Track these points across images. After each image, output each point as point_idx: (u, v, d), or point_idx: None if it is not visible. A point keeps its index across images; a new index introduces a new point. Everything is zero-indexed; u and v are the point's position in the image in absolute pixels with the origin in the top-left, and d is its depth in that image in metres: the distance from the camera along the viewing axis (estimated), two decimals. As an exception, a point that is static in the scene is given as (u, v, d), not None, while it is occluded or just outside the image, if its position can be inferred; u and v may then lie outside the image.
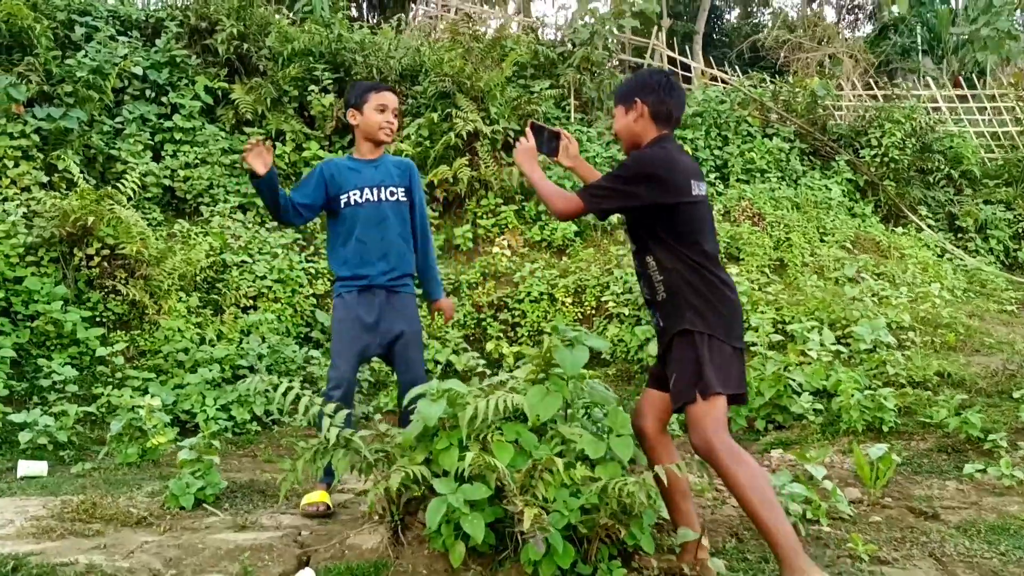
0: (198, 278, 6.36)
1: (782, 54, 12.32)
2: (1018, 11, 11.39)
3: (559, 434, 2.77)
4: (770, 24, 18.75)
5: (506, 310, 7.05)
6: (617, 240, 7.77)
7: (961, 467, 3.56)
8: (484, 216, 7.97)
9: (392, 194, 3.64)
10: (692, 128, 9.02)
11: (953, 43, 17.30)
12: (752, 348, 5.20)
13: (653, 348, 5.94)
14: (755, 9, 27.03)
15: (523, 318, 6.96)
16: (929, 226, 8.91)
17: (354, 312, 3.54)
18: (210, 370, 5.50)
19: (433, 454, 2.74)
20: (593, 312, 6.86)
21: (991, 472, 3.41)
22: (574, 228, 7.75)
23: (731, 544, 2.99)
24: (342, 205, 3.59)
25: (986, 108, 10.99)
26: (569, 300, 6.93)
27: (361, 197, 3.60)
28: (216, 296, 6.33)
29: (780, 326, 5.57)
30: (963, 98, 11.11)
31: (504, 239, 7.59)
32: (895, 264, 7.40)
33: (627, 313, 6.45)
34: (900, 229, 8.65)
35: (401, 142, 7.91)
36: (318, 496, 3.36)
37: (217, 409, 5.30)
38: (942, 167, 9.61)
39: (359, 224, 3.58)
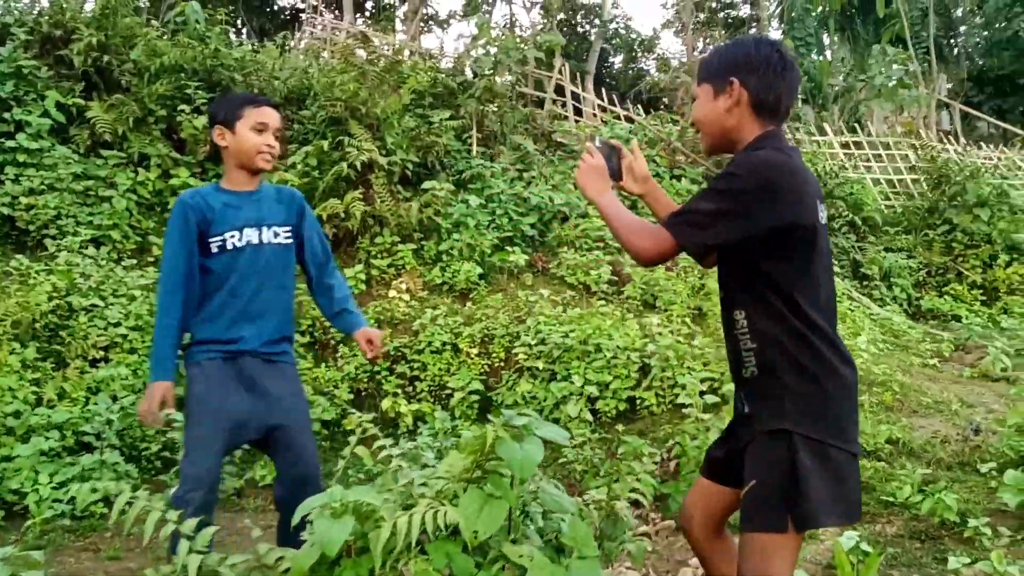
0: (37, 325, 5.42)
1: (679, 96, 12.27)
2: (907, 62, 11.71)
3: (502, 556, 2.15)
4: (653, 69, 19.01)
5: (404, 362, 6.39)
6: (525, 284, 7.26)
7: (943, 559, 3.15)
8: (379, 256, 7.30)
9: (276, 235, 2.92)
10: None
11: (833, 93, 18.06)
12: (685, 409, 4.75)
13: (572, 409, 5.44)
14: (639, 54, 27.69)
15: (423, 371, 6.31)
16: (836, 273, 8.84)
17: (219, 387, 2.76)
18: (47, 438, 4.62)
19: (334, 581, 2.09)
20: (502, 365, 6.27)
21: (980, 567, 3.01)
22: (478, 271, 7.19)
23: None
24: (213, 250, 2.82)
25: (881, 155, 11.21)
26: (475, 351, 6.33)
27: (241, 240, 2.84)
28: (59, 347, 5.40)
29: (711, 384, 5.17)
30: (858, 144, 11.30)
31: (401, 282, 6.94)
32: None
33: (540, 367, 5.90)
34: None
35: (285, 171, 7.19)
36: None
37: (53, 488, 4.40)
38: (844, 214, 9.62)
39: (234, 274, 2.83)
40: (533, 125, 9.14)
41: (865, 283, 9.01)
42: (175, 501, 2.55)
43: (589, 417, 5.43)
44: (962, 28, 22.82)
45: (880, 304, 8.69)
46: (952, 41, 21.92)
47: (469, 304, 6.88)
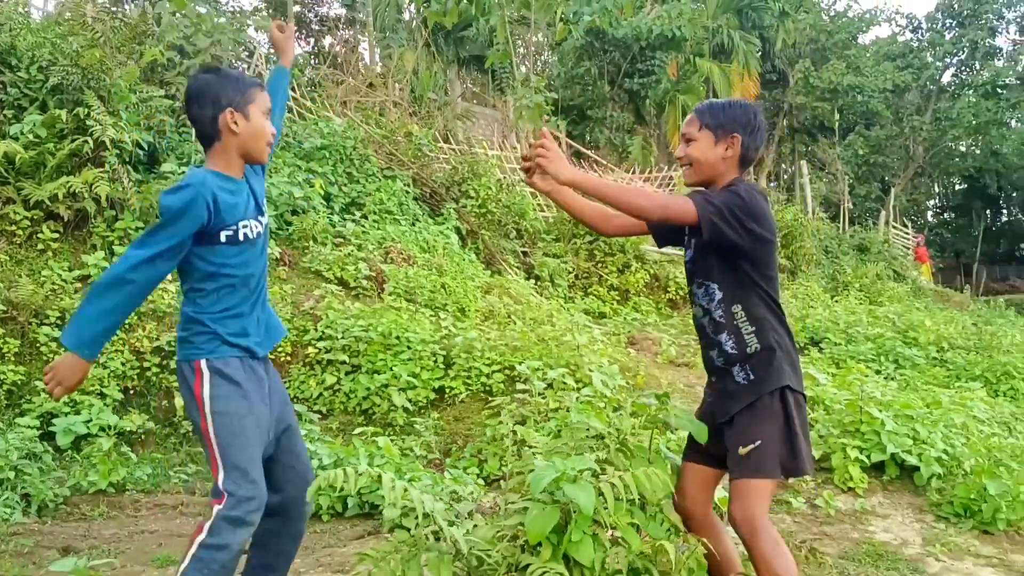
0: None
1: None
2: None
3: (660, 511, 2.77)
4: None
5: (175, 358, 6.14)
6: (280, 277, 7.34)
7: (786, 501, 4.47)
8: (120, 242, 6.80)
9: (264, 224, 2.82)
10: (319, 162, 8.95)
11: (436, 104, 19.96)
12: (521, 394, 5.57)
13: (398, 399, 5.90)
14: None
15: (202, 366, 6.15)
16: (518, 273, 10.27)
17: (252, 397, 2.67)
18: None
19: (566, 547, 2.52)
20: (288, 360, 6.40)
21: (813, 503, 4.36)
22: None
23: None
24: (222, 240, 2.63)
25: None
26: (256, 345, 6.35)
27: (252, 232, 2.71)
28: None
29: (508, 372, 6.04)
30: (508, 159, 13.00)
31: (166, 272, 6.59)
32: (536, 311, 8.42)
33: (345, 359, 6.20)
34: (509, 277, 9.82)
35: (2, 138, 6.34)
36: None
37: None
38: (515, 221, 11.12)
39: (248, 266, 2.70)
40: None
41: (539, 283, 10.56)
42: (232, 525, 2.54)
43: (408, 405, 5.94)
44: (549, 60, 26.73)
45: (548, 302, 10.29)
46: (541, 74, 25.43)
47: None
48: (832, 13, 32.80)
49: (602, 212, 3.02)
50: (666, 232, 2.94)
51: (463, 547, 2.50)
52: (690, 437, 2.82)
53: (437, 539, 2.61)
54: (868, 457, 4.87)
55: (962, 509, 4.53)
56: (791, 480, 4.52)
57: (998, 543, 4.34)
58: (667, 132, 24.25)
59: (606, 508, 2.50)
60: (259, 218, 2.76)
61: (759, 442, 2.57)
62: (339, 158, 9.07)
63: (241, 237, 2.66)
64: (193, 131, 3.04)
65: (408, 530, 4.07)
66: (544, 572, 2.44)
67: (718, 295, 2.69)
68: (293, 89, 10.43)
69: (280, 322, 3.00)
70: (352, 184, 9.08)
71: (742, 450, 2.58)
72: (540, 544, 2.51)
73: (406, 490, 2.49)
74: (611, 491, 2.52)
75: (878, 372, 8.44)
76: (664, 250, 12.63)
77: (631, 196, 2.63)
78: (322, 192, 8.54)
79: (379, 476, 2.52)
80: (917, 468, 4.81)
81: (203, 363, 2.59)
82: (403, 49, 19.32)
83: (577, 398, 5.12)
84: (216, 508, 2.55)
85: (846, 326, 10.13)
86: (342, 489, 2.84)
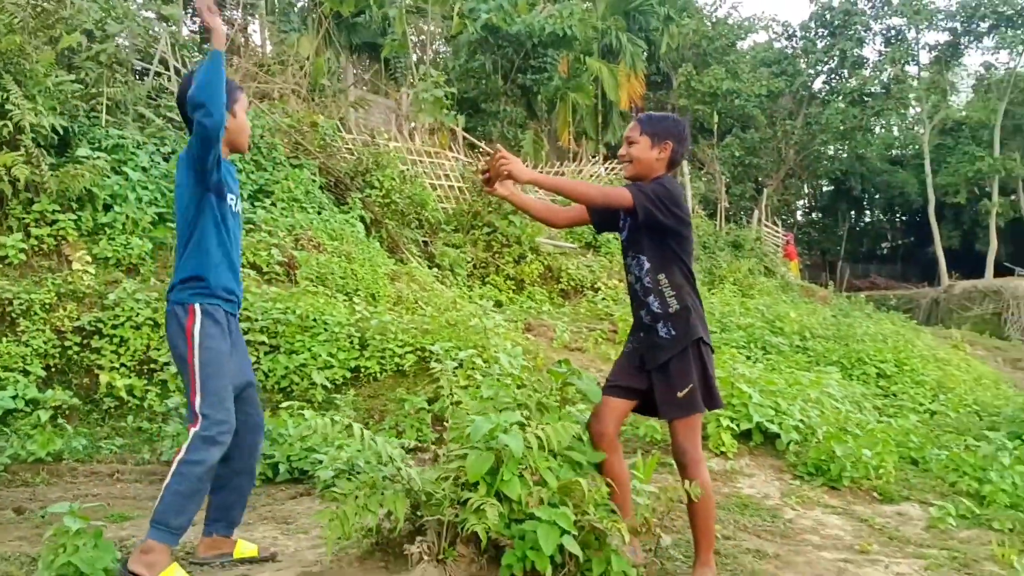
0: None
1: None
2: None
3: (567, 457, 3.38)
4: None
5: (99, 336, 6.41)
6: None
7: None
8: (36, 224, 6.95)
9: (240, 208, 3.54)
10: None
11: (331, 90, 20.12)
12: (433, 372, 6.11)
13: (318, 376, 6.36)
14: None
15: (122, 345, 6.43)
16: (420, 262, 10.76)
17: (226, 338, 3.28)
18: None
19: (499, 485, 3.10)
20: (207, 339, 6.72)
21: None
22: (149, 245, 7.35)
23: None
24: (227, 200, 3.30)
25: (425, 162, 13.52)
26: (176, 326, 6.66)
27: (236, 206, 3.43)
28: None
29: (421, 352, 6.57)
30: (408, 151, 13.44)
31: (84, 254, 6.80)
32: (441, 298, 8.95)
33: (264, 340, 6.59)
34: (413, 265, 10.30)
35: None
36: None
37: None
38: (416, 211, 11.61)
39: (234, 233, 3.35)
40: (154, 98, 9.18)
41: (440, 271, 11.09)
42: (206, 443, 3.10)
43: (327, 383, 6.39)
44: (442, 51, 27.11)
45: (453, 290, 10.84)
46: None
47: (164, 280, 7.07)
48: (714, 20, 34.49)
49: (550, 208, 3.80)
50: (604, 221, 3.62)
51: (416, 484, 3.05)
52: (612, 375, 3.49)
53: (392, 481, 3.14)
54: (737, 426, 5.66)
55: (814, 469, 5.37)
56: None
57: (842, 496, 5.19)
58: (557, 128, 25.12)
59: (531, 453, 3.10)
60: (239, 201, 3.43)
61: (691, 386, 3.27)
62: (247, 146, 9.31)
63: (235, 207, 3.36)
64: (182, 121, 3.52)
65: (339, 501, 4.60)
66: (480, 504, 3.01)
67: (647, 265, 3.37)
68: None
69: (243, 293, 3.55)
70: (260, 172, 9.36)
71: (680, 394, 3.26)
72: (478, 483, 3.08)
73: (373, 439, 3.00)
74: (535, 440, 3.13)
75: (748, 357, 9.37)
76: (558, 244, 13.41)
77: (581, 188, 3.39)
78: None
79: (350, 425, 3.01)
80: (778, 435, 5.63)
81: (197, 306, 3.19)
82: (299, 35, 19.37)
83: (487, 375, 5.70)
84: (193, 430, 3.13)
85: (721, 316, 11.09)
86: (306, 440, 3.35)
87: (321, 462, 4.88)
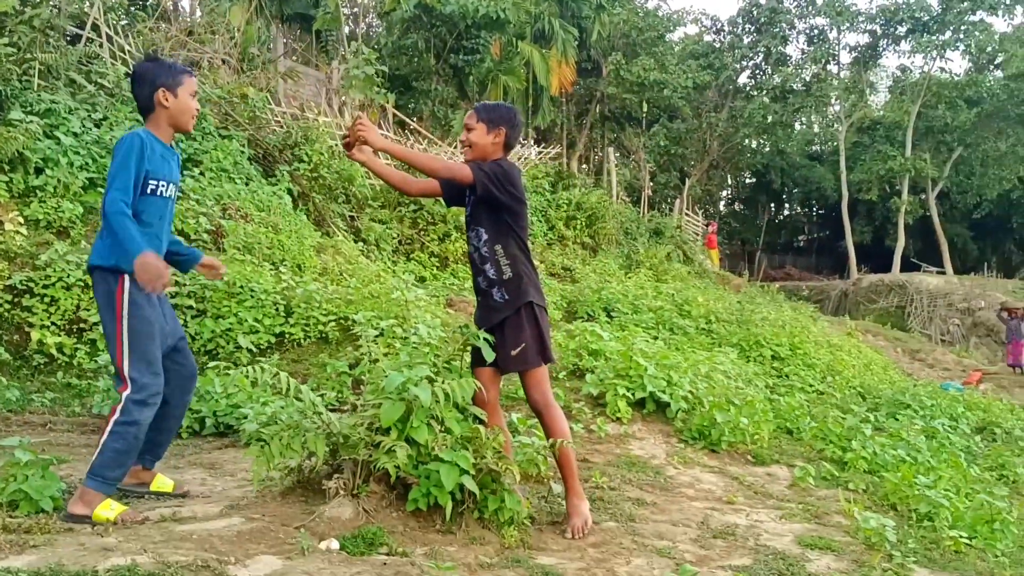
0: None
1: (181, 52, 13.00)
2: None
3: (468, 411, 3.88)
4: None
5: (30, 296, 6.64)
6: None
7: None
8: (-32, 184, 7.12)
9: (176, 191, 3.79)
10: (158, 117, 9.37)
11: (259, 61, 20.14)
12: (357, 340, 6.53)
13: (243, 340, 6.72)
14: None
15: (52, 305, 6.68)
16: (346, 237, 11.11)
17: (154, 308, 3.58)
18: None
19: (409, 431, 3.57)
20: (135, 302, 7.01)
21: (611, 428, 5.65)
22: (80, 209, 7.56)
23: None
24: (148, 191, 3.54)
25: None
26: (105, 288, 6.92)
27: (168, 190, 3.67)
28: None
29: (343, 321, 6.99)
30: (338, 126, 13.71)
31: (16, 215, 6.99)
32: (365, 271, 9.34)
33: (191, 304, 6.90)
34: (339, 239, 10.63)
35: None
36: (115, 510, 3.38)
37: None
38: (344, 186, 11.93)
39: (159, 217, 3.62)
40: (84, 63, 9.29)
41: (366, 246, 11.45)
42: (139, 405, 3.43)
43: (252, 347, 6.75)
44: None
45: (376, 263, 11.23)
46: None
47: (84, 243, 7.29)
48: (643, 11, 35.27)
49: (404, 177, 4.20)
50: (453, 195, 4.02)
51: (335, 428, 3.50)
52: (473, 351, 3.93)
53: (314, 425, 3.58)
54: (633, 395, 6.24)
55: (697, 434, 5.99)
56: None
57: (720, 458, 5.82)
58: (488, 109, 25.48)
59: (437, 404, 3.57)
60: (175, 183, 3.70)
61: (524, 344, 3.75)
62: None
63: (166, 192, 3.63)
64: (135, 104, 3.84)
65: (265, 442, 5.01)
66: (392, 447, 3.47)
67: (484, 237, 3.82)
68: (117, 34, 10.66)
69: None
70: (189, 141, 9.56)
71: (514, 352, 3.76)
72: (390, 429, 3.54)
73: (298, 387, 3.43)
74: (442, 393, 3.60)
75: (655, 337, 10.02)
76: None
77: (427, 160, 3.81)
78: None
79: (277, 373, 3.43)
80: (668, 404, 6.23)
81: (125, 277, 3.45)
82: (230, 4, 19.30)
83: (406, 343, 6.15)
84: (124, 394, 3.45)
85: (634, 299, 11.73)
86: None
87: (247, 417, 5.26)
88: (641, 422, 6.18)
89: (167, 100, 3.56)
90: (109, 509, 3.37)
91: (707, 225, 29.65)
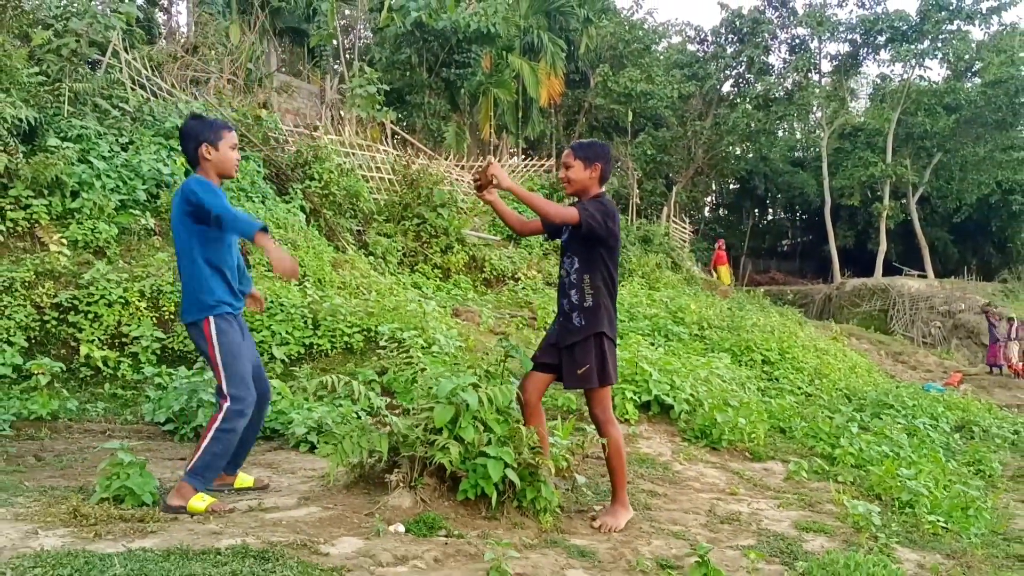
0: None
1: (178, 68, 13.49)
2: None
3: (508, 413, 4.42)
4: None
5: (75, 312, 7.13)
6: (153, 246, 8.34)
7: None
8: (11, 208, 7.59)
9: None
10: (179, 139, 9.87)
11: (257, 76, 20.63)
12: (381, 351, 7.08)
13: (278, 352, 7.24)
14: None
15: (96, 321, 7.17)
16: (356, 251, 11.63)
17: (241, 335, 4.22)
18: None
19: (458, 431, 4.11)
20: (172, 317, 7.52)
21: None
22: (115, 231, 8.06)
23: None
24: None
25: (356, 154, 14.33)
26: (144, 304, 7.43)
27: None
28: None
29: (367, 332, 7.52)
30: (341, 143, 14.23)
31: (62, 237, 7.49)
32: (379, 284, 9.86)
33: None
34: (352, 254, 11.15)
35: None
36: (206, 501, 3.92)
37: None
38: (352, 202, 12.46)
39: (232, 249, 4.28)
40: (107, 90, 9.78)
41: (373, 258, 11.97)
42: (236, 415, 4.04)
43: (284, 358, 7.26)
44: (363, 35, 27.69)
45: (385, 275, 11.74)
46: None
47: (132, 263, 7.80)
48: (630, 23, 35.98)
49: (521, 218, 4.68)
50: (555, 231, 4.53)
51: (397, 428, 4.04)
52: (535, 354, 4.45)
53: (377, 425, 4.12)
54: (639, 398, 6.81)
55: (699, 433, 6.56)
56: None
57: (721, 455, 6.39)
58: (479, 121, 26.10)
59: (482, 407, 4.12)
60: None
61: (587, 367, 4.27)
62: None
63: None
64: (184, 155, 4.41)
65: (312, 444, 5.55)
66: (445, 444, 4.01)
67: (576, 265, 4.29)
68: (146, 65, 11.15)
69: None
70: (209, 162, 10.06)
71: (579, 371, 4.27)
72: (442, 429, 4.08)
73: (367, 393, 3.97)
74: (486, 397, 4.15)
75: (652, 344, 10.59)
76: (482, 235, 14.42)
77: (543, 204, 4.20)
78: (183, 168, 9.52)
79: (349, 379, 3.97)
80: (672, 406, 6.80)
81: (210, 319, 4.09)
82: (229, 22, 19.79)
83: (427, 353, 6.69)
84: (226, 405, 3.99)
85: (629, 307, 12.30)
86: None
87: (292, 422, 5.78)
88: (647, 423, 6.75)
89: (210, 154, 4.17)
90: (201, 500, 3.91)
91: (717, 243, 29.94)
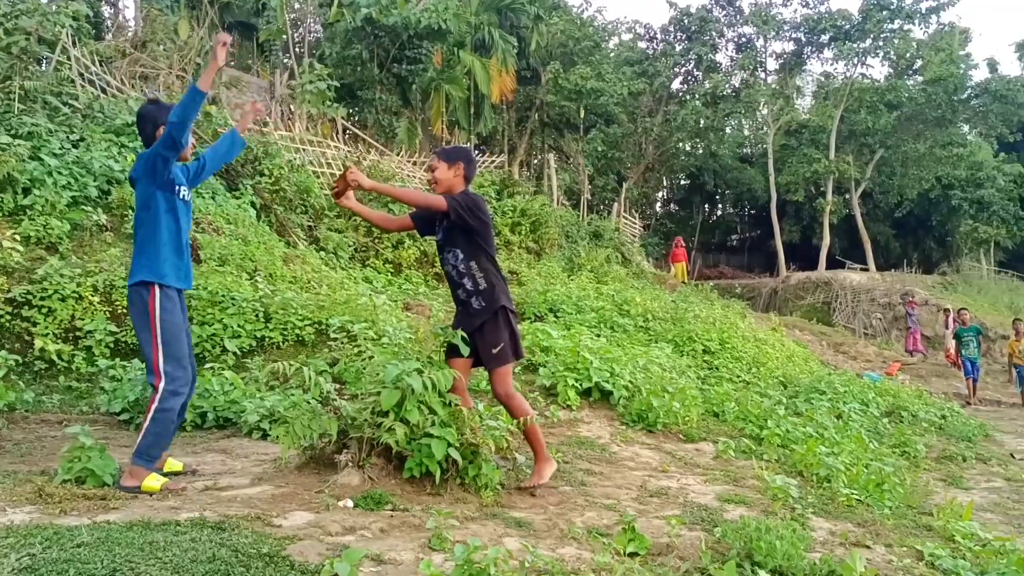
0: None
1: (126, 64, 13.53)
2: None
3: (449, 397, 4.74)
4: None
5: (29, 307, 7.27)
6: (105, 242, 8.48)
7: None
8: (-38, 203, 7.70)
9: (189, 193, 4.61)
10: (129, 136, 10.00)
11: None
12: (332, 342, 7.33)
13: (231, 344, 7.46)
14: None
15: (49, 316, 7.31)
16: (307, 246, 11.82)
17: (180, 315, 4.44)
18: None
19: (403, 414, 4.41)
20: (125, 311, 7.67)
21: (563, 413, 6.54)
22: (68, 227, 8.18)
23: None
24: (174, 192, 4.37)
25: (307, 150, 14.50)
26: (97, 299, 7.58)
27: (188, 196, 4.57)
28: None
29: (318, 325, 7.77)
30: (291, 139, 14.39)
31: (15, 233, 7.60)
32: (330, 278, 10.08)
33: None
34: (303, 249, 11.35)
35: None
36: (159, 481, 4.17)
37: None
38: (302, 198, 12.64)
39: (183, 220, 4.45)
40: (57, 87, 9.85)
41: (325, 253, 12.18)
42: (171, 395, 4.27)
43: (236, 351, 7.48)
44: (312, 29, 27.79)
45: (336, 270, 11.96)
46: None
47: (84, 258, 7.94)
48: (580, 21, 36.45)
49: (385, 216, 5.16)
50: (424, 227, 4.89)
51: (345, 411, 4.33)
52: (448, 345, 4.78)
53: (326, 409, 4.39)
54: (581, 385, 7.16)
55: (637, 417, 6.93)
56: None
57: (656, 437, 6.77)
58: (431, 117, 26.29)
59: (426, 391, 4.42)
60: (189, 191, 4.57)
61: (502, 344, 4.65)
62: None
63: (186, 197, 4.50)
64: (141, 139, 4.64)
65: (264, 431, 5.80)
66: (391, 426, 4.31)
67: (461, 256, 4.68)
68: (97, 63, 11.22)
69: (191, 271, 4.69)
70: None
71: (494, 350, 4.66)
72: (388, 412, 4.38)
73: (318, 380, 4.25)
74: (429, 382, 4.45)
75: (598, 335, 10.97)
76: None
77: (409, 194, 4.73)
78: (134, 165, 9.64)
79: (300, 366, 4.24)
80: (612, 392, 7.16)
81: (156, 288, 4.29)
82: (178, 18, 19.76)
83: (377, 344, 6.96)
84: (161, 386, 4.23)
85: (577, 300, 12.66)
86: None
87: (245, 410, 6.02)
88: (588, 408, 7.11)
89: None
90: (155, 480, 4.15)
91: (675, 240, 30.43)
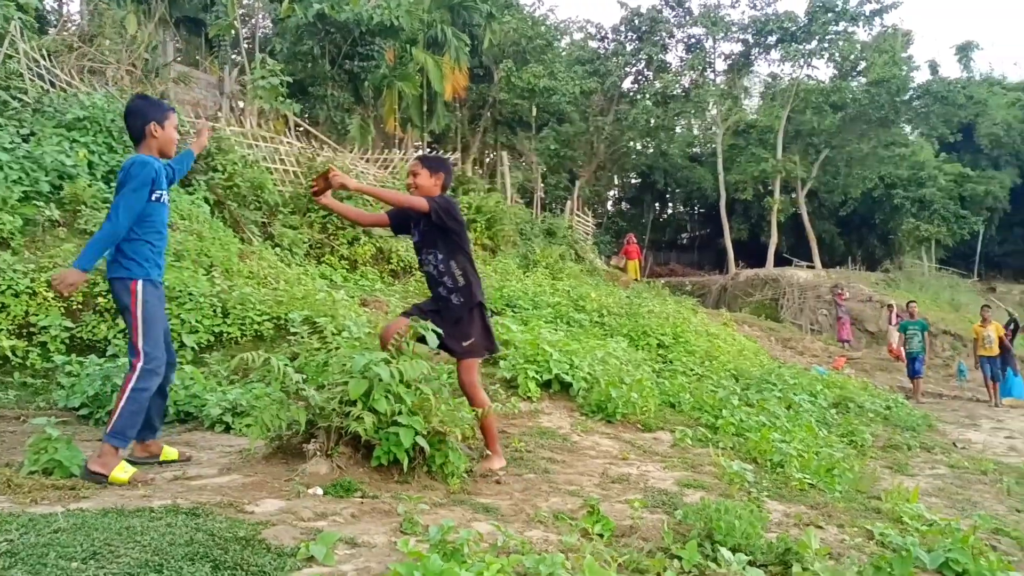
0: None
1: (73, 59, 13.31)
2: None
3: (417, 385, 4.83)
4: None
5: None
6: (59, 237, 8.37)
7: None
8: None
9: (168, 195, 4.69)
10: (80, 131, 9.88)
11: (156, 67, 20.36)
12: (292, 337, 7.35)
13: (189, 339, 7.44)
14: None
15: (2, 311, 7.21)
16: (262, 242, 11.77)
17: (160, 304, 4.53)
18: None
19: (371, 403, 4.49)
20: (80, 307, 7.61)
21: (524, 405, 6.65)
22: (19, 222, 8.07)
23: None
24: (153, 198, 4.40)
25: (260, 146, 14.41)
26: (51, 295, 7.48)
27: (165, 199, 4.62)
28: None
29: (278, 320, 7.78)
30: (243, 134, 14.28)
31: (-36, 228, 7.47)
32: (287, 274, 10.07)
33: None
34: (258, 245, 11.29)
35: None
36: (128, 471, 4.19)
37: None
38: (256, 194, 12.57)
39: (160, 218, 4.51)
40: (5, 81, 9.68)
41: (280, 250, 12.13)
42: (149, 374, 4.33)
43: (194, 346, 7.45)
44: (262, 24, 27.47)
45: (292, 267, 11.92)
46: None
47: (37, 253, 7.83)
48: (532, 20, 36.64)
49: (359, 212, 5.40)
50: (400, 226, 5.10)
51: (314, 401, 4.38)
52: (415, 306, 5.03)
53: (294, 399, 4.44)
54: (541, 377, 7.28)
55: (596, 407, 7.07)
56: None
57: (615, 427, 6.92)
58: (384, 114, 26.24)
59: (393, 380, 4.50)
60: (167, 193, 4.55)
61: (473, 339, 4.84)
62: (99, 129, 10.03)
63: (164, 200, 4.54)
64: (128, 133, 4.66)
65: (227, 424, 5.82)
66: (359, 415, 4.37)
67: (441, 256, 4.89)
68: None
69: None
70: (111, 154, 10.09)
71: (465, 343, 4.83)
72: (356, 401, 4.44)
73: (286, 371, 4.29)
74: (397, 371, 4.53)
75: (555, 329, 11.11)
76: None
77: (392, 195, 4.85)
78: (86, 160, 9.54)
79: (269, 357, 4.29)
80: (571, 384, 7.30)
81: (138, 282, 4.36)
82: (126, 12, 19.45)
83: (338, 338, 7.01)
84: (139, 364, 4.26)
85: (533, 295, 12.81)
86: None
87: (206, 404, 6.03)
88: (548, 400, 7.23)
89: (157, 132, 4.43)
90: (124, 471, 4.16)
91: (626, 237, 30.69)
